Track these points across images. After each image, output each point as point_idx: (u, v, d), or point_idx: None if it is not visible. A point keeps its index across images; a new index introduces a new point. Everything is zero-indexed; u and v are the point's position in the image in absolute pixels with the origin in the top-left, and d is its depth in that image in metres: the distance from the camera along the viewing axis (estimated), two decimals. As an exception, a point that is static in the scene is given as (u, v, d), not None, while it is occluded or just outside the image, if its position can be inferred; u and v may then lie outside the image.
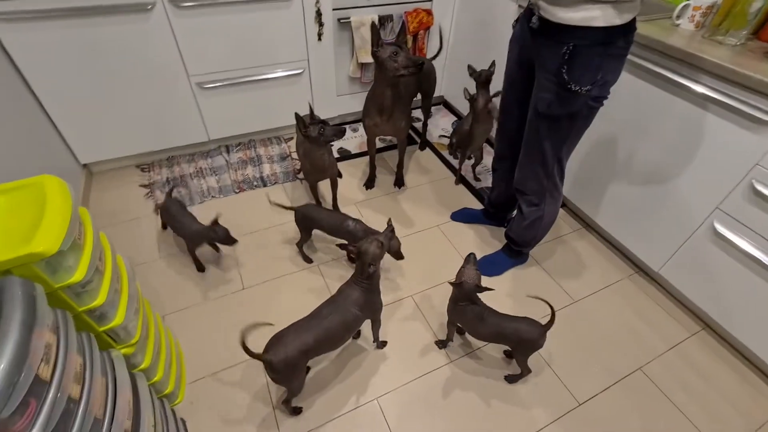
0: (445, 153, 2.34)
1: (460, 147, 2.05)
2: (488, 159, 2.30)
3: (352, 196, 2.03)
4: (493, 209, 1.85)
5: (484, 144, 2.09)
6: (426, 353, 1.42)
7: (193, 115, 2.06)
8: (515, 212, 1.60)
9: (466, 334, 1.46)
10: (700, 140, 1.33)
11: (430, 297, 1.59)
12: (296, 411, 1.23)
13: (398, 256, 1.33)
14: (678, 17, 1.43)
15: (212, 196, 1.97)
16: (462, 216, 1.94)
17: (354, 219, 1.50)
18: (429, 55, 2.34)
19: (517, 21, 1.31)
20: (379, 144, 2.32)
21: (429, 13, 2.21)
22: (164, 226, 1.79)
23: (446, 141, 2.42)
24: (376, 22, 2.10)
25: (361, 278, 1.14)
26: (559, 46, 1.08)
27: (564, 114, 1.18)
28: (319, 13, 1.99)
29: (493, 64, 1.74)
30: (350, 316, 1.13)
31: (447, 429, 1.24)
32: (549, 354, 1.41)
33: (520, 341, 1.24)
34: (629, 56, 1.16)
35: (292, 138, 2.38)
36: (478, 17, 2.18)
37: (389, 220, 1.29)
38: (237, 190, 2.02)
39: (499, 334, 1.25)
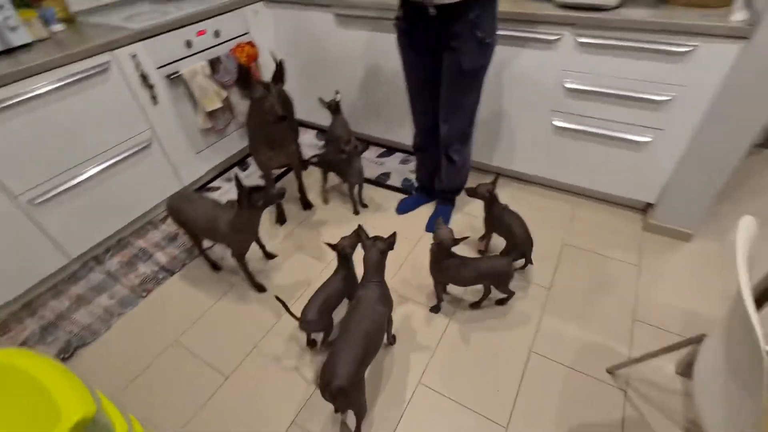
0: (327, 163, 2.43)
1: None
2: (370, 153, 2.51)
3: (272, 236, 1.95)
4: (429, 183, 2.00)
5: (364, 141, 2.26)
6: (430, 323, 1.53)
7: (36, 239, 1.65)
8: (444, 167, 1.79)
9: (448, 289, 1.62)
10: (521, 69, 1.76)
11: (402, 277, 1.71)
12: (365, 439, 1.20)
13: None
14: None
15: (118, 315, 1.64)
16: (405, 206, 2.05)
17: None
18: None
19: (397, 19, 1.48)
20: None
21: (252, 45, 2.23)
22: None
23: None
24: (207, 68, 2.02)
25: (373, 277, 1.21)
26: (466, 15, 1.30)
27: (480, 66, 1.46)
28: (143, 76, 1.82)
29: (337, 92, 2.06)
30: (379, 314, 1.18)
31: (483, 368, 1.39)
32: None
33: (498, 275, 1.45)
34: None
35: (167, 216, 2.11)
36: (295, 35, 2.31)
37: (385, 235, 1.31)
38: (144, 294, 1.72)
39: (480, 275, 1.45)
